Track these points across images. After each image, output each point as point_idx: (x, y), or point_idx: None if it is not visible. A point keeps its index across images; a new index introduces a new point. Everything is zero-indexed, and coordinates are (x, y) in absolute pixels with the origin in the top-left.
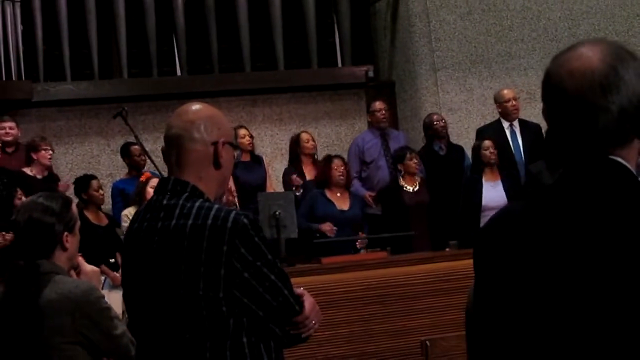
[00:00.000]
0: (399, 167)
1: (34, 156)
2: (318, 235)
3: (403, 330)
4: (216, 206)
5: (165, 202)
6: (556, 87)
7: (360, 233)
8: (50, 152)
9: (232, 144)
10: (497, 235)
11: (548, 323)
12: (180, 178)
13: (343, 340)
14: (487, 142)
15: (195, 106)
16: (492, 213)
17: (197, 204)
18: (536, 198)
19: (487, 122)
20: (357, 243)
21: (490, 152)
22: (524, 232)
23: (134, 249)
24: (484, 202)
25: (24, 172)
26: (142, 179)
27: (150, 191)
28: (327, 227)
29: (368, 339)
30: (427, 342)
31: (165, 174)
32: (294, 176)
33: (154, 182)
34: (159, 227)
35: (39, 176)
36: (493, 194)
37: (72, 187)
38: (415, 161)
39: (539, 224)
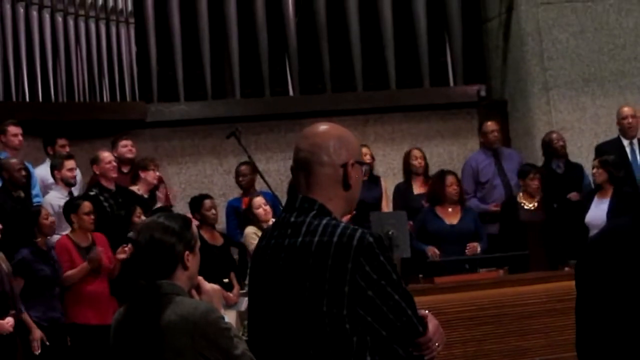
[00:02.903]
0: (520, 182)
1: (142, 174)
2: (429, 258)
3: (518, 351)
4: (343, 224)
5: (292, 219)
6: None
7: (470, 243)
8: (157, 173)
9: (361, 162)
10: (604, 251)
11: None
12: (309, 196)
13: None
14: (594, 162)
15: (322, 127)
16: (594, 232)
17: (324, 221)
18: None
19: (600, 140)
20: (466, 250)
21: (594, 172)
22: (632, 246)
23: (261, 265)
24: (587, 219)
25: (133, 192)
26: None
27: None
28: (431, 251)
29: (482, 358)
30: None
31: (277, 193)
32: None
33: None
34: (285, 244)
35: (145, 195)
36: (595, 212)
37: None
38: (537, 183)
39: None
